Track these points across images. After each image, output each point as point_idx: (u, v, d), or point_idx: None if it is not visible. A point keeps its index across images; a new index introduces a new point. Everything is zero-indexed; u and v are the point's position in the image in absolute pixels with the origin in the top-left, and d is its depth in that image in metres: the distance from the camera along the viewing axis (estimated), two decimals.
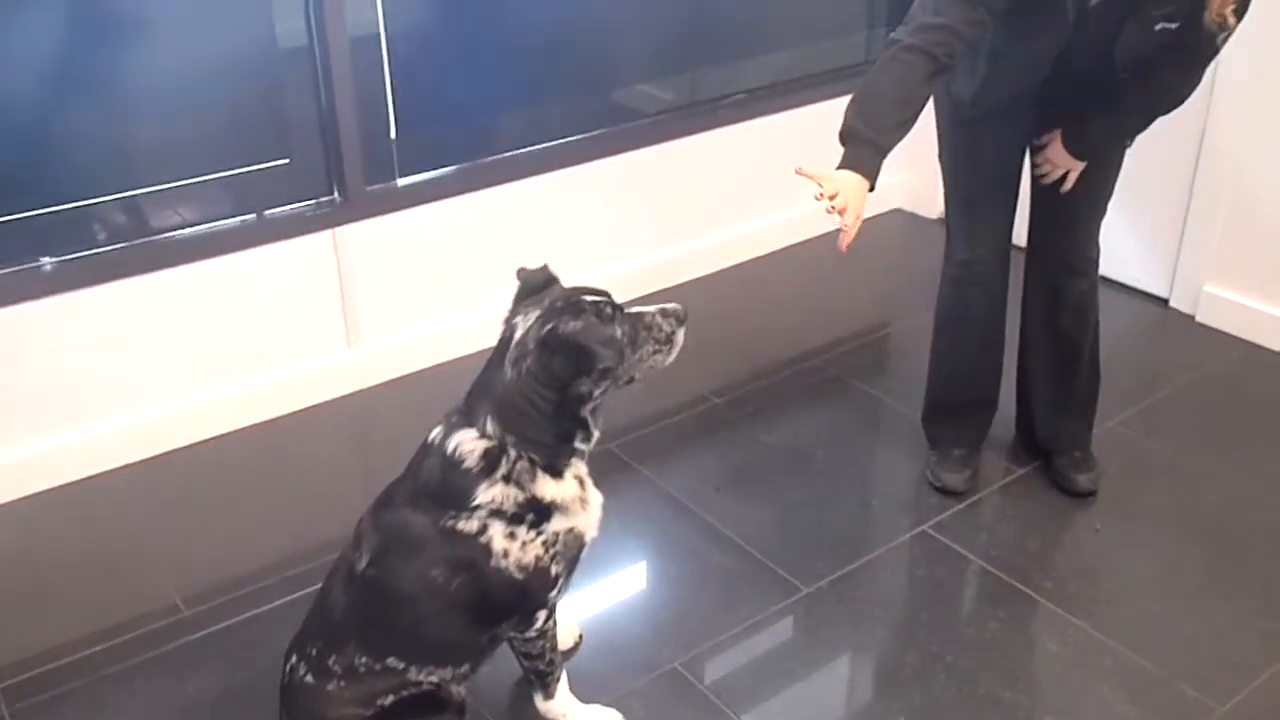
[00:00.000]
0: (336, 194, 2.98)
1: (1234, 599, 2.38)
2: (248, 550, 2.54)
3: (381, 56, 2.96)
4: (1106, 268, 3.77)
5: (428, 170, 3.14)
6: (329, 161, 2.96)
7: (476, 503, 1.80)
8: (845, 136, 2.17)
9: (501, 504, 1.81)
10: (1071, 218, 2.55)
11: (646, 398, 3.07)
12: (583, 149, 3.36)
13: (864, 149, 2.14)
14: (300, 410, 3.03)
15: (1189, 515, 2.62)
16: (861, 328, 3.44)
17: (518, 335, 1.82)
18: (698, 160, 3.60)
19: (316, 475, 2.83)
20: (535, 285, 1.91)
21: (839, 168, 2.15)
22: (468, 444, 1.82)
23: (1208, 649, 2.25)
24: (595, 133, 3.39)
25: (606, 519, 2.42)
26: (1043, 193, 2.52)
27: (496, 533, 1.81)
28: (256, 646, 2.27)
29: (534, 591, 1.88)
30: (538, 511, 1.83)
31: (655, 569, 2.55)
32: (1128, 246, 3.58)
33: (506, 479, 1.81)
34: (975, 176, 2.53)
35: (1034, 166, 2.51)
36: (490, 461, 1.81)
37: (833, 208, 2.09)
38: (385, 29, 2.93)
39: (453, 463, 1.81)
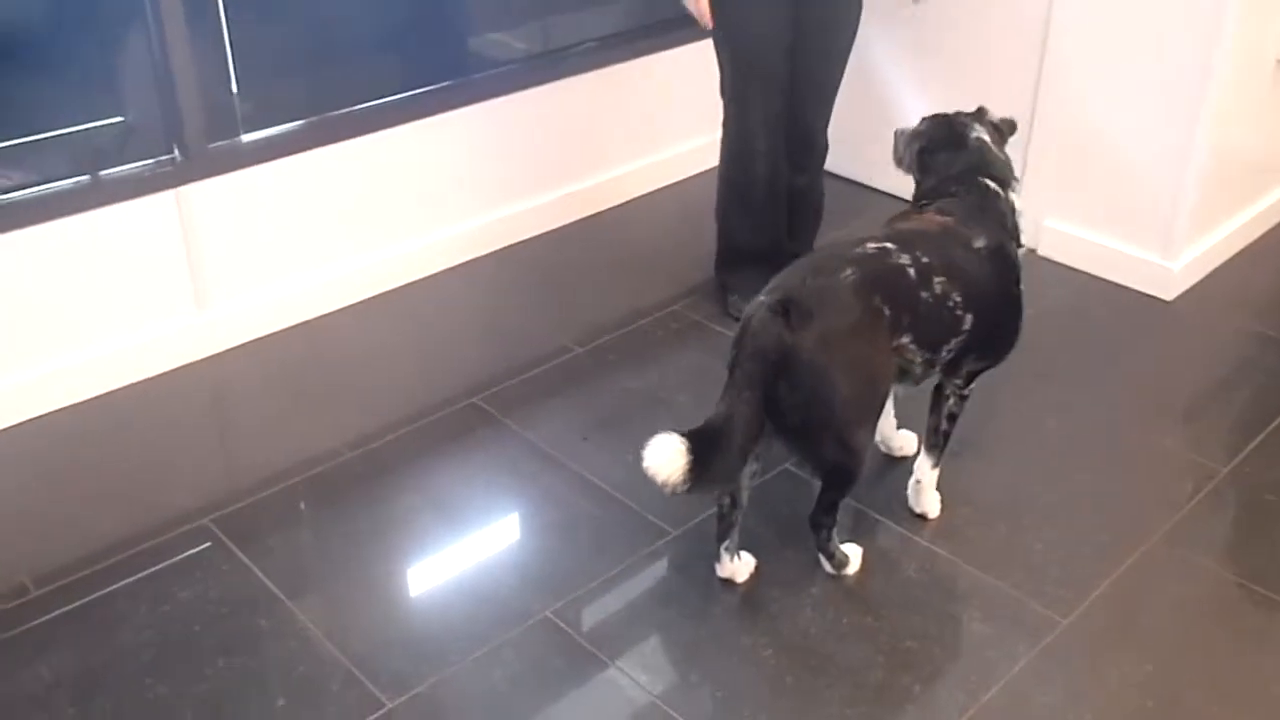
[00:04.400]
0: (177, 152, 2.87)
1: (1074, 517, 2.51)
2: (98, 526, 2.45)
3: (218, 5, 2.84)
4: None
5: (274, 125, 3.04)
6: (167, 118, 2.84)
7: None
8: None
9: None
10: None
11: (509, 350, 3.06)
12: (434, 101, 3.29)
13: None
14: (149, 378, 2.92)
15: (1033, 440, 2.74)
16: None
17: None
18: (552, 109, 3.56)
19: (168, 444, 2.74)
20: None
21: None
22: None
23: (1052, 565, 2.37)
24: (446, 84, 3.33)
25: (474, 473, 2.41)
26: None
27: None
28: (111, 625, 2.21)
29: None
30: None
31: (524, 520, 2.56)
32: None
33: None
34: (740, 54, 2.88)
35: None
36: None
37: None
38: None
39: None
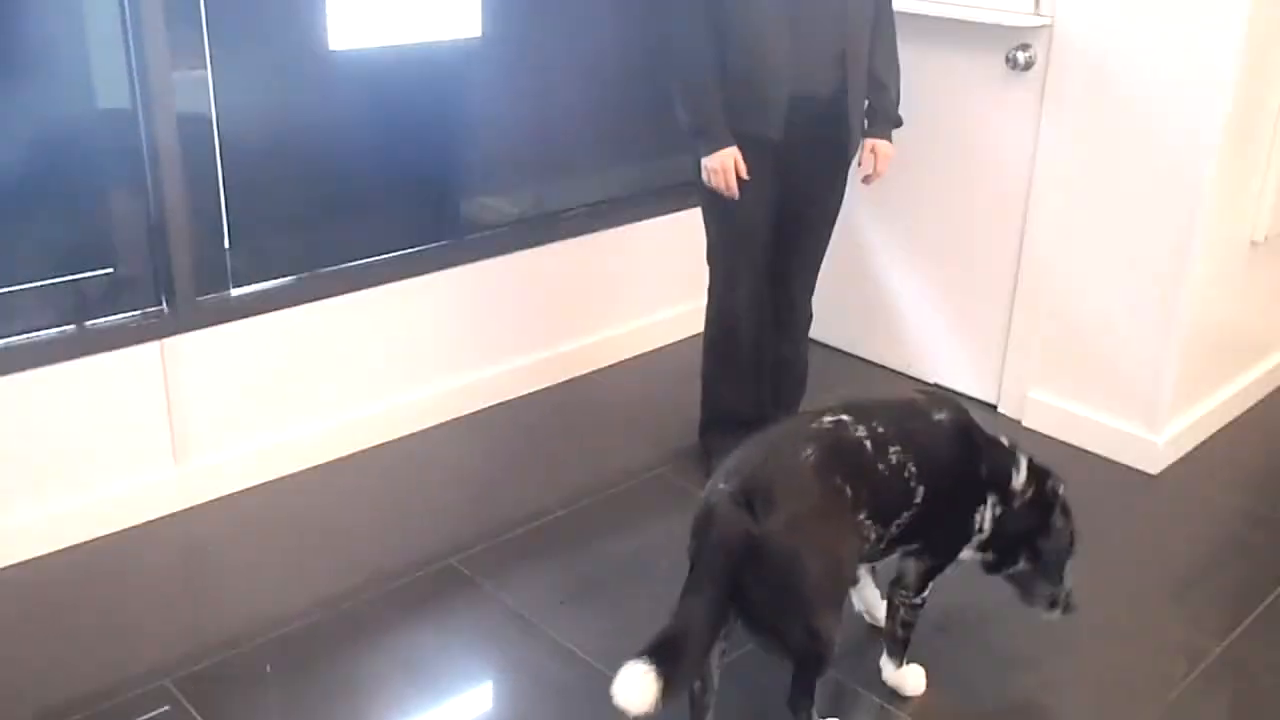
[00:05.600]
0: (164, 304, 2.88)
1: (1064, 698, 2.44)
2: (55, 683, 2.36)
3: (215, 162, 2.89)
4: (940, 376, 3.92)
5: (263, 280, 3.06)
6: (157, 271, 2.86)
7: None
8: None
9: None
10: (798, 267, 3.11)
11: (489, 510, 3.01)
12: (423, 261, 3.33)
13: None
14: (121, 530, 2.86)
15: (1019, 618, 2.66)
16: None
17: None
18: (540, 272, 3.61)
19: (134, 600, 2.66)
20: None
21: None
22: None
23: None
24: (436, 244, 3.38)
25: (448, 637, 2.32)
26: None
27: None
28: None
29: None
30: None
31: (497, 687, 2.47)
32: (957, 355, 3.73)
33: None
34: (727, 224, 2.95)
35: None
36: None
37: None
38: (219, 132, 2.87)
39: None
